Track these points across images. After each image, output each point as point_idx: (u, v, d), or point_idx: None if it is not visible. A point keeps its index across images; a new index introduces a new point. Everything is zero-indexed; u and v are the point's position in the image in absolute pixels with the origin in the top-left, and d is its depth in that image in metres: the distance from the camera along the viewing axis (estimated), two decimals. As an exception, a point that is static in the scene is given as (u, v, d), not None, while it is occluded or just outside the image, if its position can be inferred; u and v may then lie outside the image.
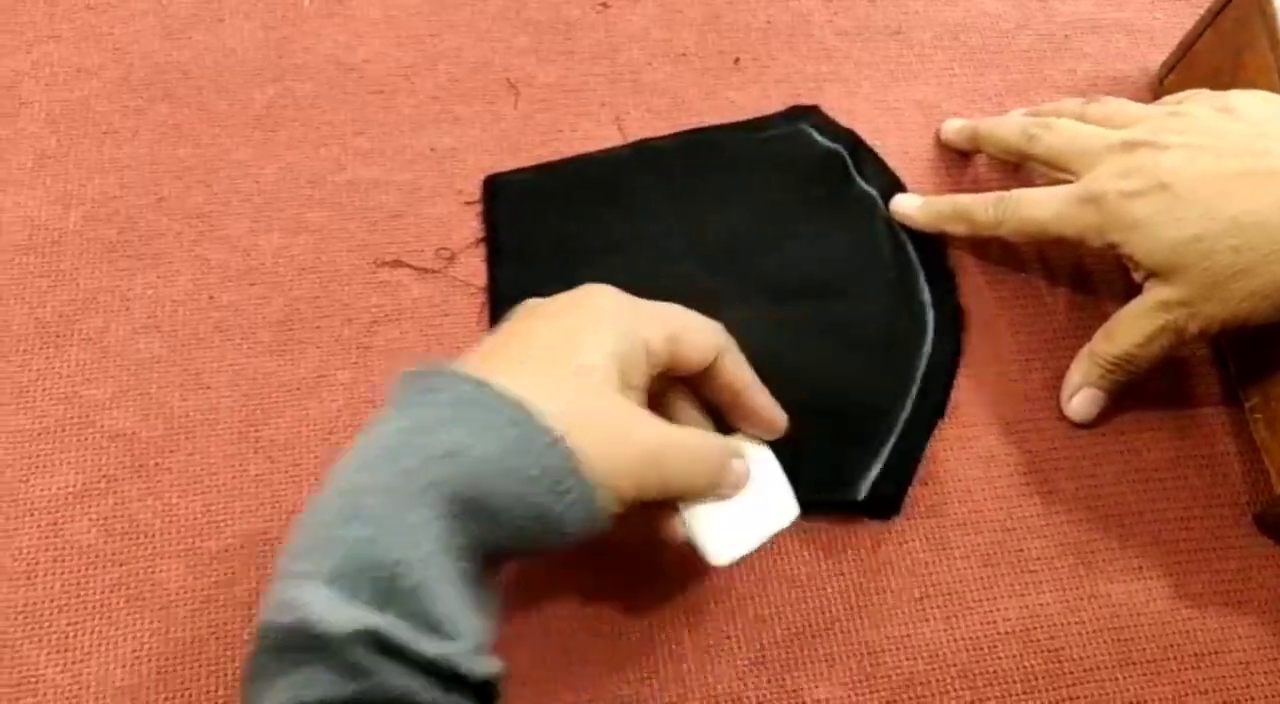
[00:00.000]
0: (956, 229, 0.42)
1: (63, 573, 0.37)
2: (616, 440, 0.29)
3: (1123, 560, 0.40)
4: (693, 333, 0.33)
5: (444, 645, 0.26)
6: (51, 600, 0.36)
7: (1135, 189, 0.37)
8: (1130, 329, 0.39)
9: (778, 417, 0.36)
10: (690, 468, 0.31)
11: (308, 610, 0.25)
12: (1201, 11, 0.46)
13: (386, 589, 0.26)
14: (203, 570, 0.37)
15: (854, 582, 0.39)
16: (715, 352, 0.33)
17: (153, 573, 0.37)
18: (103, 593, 0.36)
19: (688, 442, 0.32)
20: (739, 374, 0.34)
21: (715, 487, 0.33)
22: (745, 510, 0.34)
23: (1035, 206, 0.39)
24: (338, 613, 0.25)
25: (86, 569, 0.37)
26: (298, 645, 0.26)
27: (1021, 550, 0.40)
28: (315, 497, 0.28)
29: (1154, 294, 0.38)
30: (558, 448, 0.27)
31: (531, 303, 0.33)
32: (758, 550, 0.34)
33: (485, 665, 0.27)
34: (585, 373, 0.29)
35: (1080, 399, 0.41)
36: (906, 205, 0.44)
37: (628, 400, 0.30)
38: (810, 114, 0.47)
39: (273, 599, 0.27)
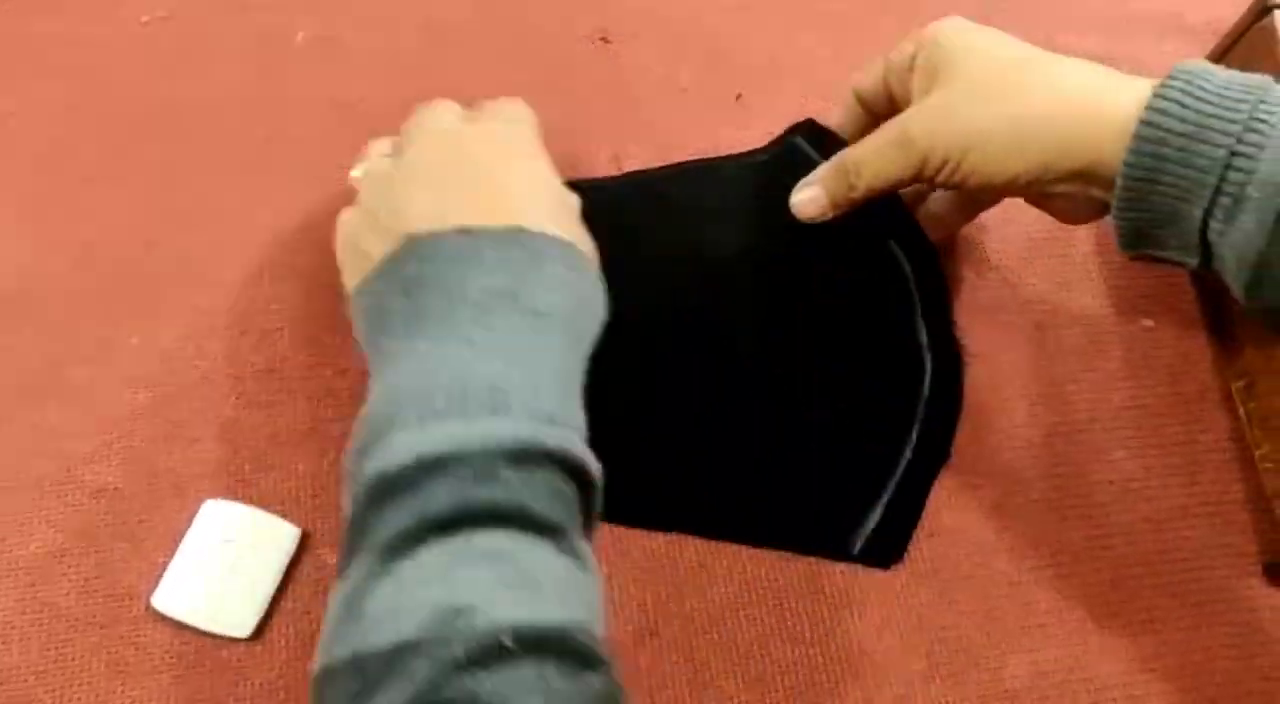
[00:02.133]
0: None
1: (40, 637, 0.36)
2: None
3: (1131, 613, 0.39)
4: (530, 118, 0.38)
5: (558, 432, 0.28)
6: (28, 665, 0.35)
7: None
8: (875, 136, 0.37)
9: None
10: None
11: (425, 445, 0.27)
12: (1210, 48, 0.46)
13: (495, 398, 0.28)
14: (188, 636, 0.36)
15: (858, 640, 0.38)
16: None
17: (136, 637, 0.36)
18: (82, 658, 0.35)
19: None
20: None
21: None
22: (228, 576, 0.36)
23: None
24: (458, 435, 0.27)
25: (66, 633, 0.36)
26: (417, 478, 0.27)
27: (1029, 604, 0.39)
28: (379, 384, 0.30)
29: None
30: (571, 248, 0.33)
31: (448, 127, 0.36)
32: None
33: (592, 459, 0.30)
34: (568, 207, 0.35)
35: (803, 194, 0.40)
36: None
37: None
38: (801, 127, 0.44)
39: (374, 460, 0.27)
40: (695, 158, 0.45)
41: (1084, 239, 0.46)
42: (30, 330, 0.40)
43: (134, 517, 0.37)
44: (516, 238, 0.31)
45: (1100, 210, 0.36)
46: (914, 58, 0.36)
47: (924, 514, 0.40)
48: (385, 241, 0.32)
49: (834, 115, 0.42)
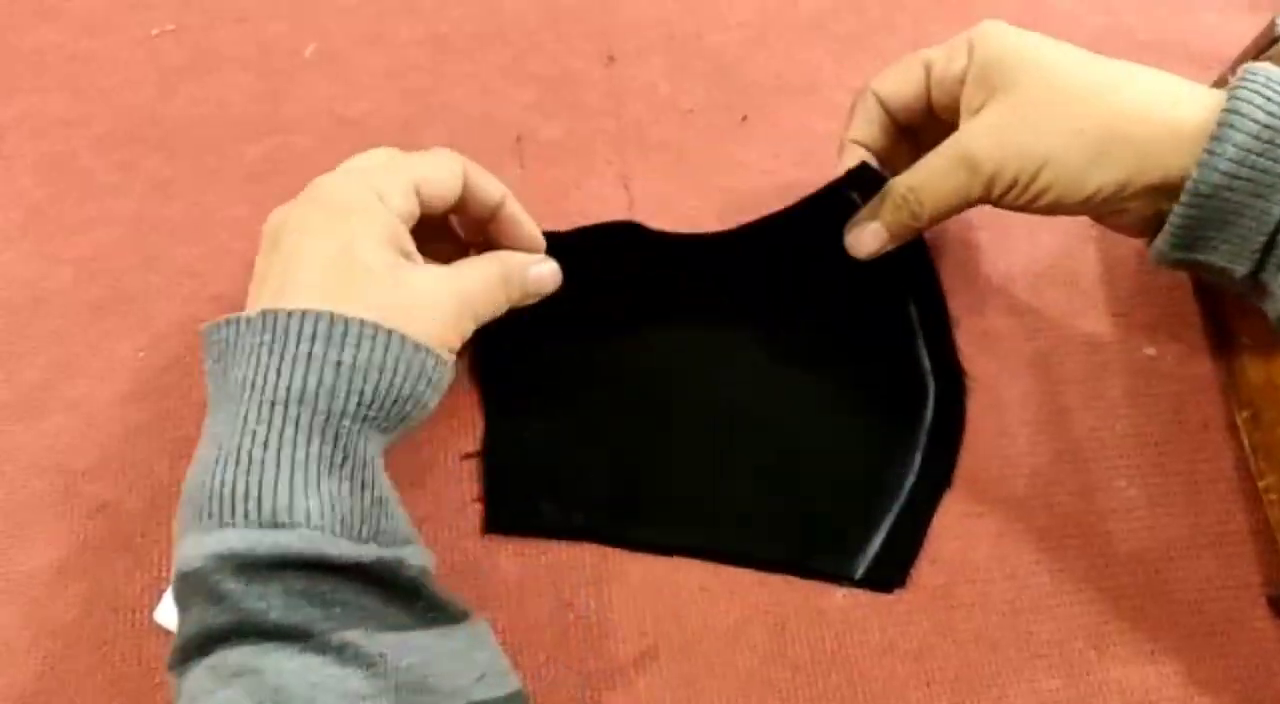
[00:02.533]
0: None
1: (41, 653, 0.35)
2: (427, 310, 0.32)
3: (1135, 644, 0.39)
4: (429, 170, 0.34)
5: (281, 536, 0.27)
6: (30, 682, 0.35)
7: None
8: (932, 159, 0.35)
9: (535, 228, 0.38)
10: (492, 293, 0.35)
11: (182, 558, 0.28)
12: (1215, 77, 0.46)
13: (225, 506, 0.28)
14: (187, 653, 0.36)
15: (859, 667, 0.38)
16: (461, 175, 0.35)
17: (138, 653, 0.36)
18: (83, 674, 0.35)
19: (481, 272, 0.35)
20: (490, 186, 0.36)
21: (525, 296, 0.36)
22: None
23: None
24: (195, 548, 0.28)
25: (67, 649, 0.35)
26: (184, 591, 0.28)
27: (1031, 633, 0.39)
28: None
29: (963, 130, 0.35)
30: (325, 315, 0.30)
31: (278, 223, 0.33)
32: None
33: (340, 548, 0.28)
34: (371, 272, 0.31)
35: (859, 231, 0.38)
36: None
37: (416, 269, 0.33)
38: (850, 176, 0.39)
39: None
40: (704, 184, 0.45)
41: (1089, 266, 0.46)
42: (29, 343, 0.40)
43: (135, 531, 0.37)
44: (267, 321, 0.30)
45: (1152, 226, 0.35)
46: (965, 71, 0.34)
47: (926, 540, 0.39)
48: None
49: (855, 124, 0.39)
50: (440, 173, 0.34)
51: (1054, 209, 0.34)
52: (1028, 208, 0.34)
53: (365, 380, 0.30)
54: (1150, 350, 0.44)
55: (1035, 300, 0.45)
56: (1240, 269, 0.32)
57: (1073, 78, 0.33)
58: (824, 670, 0.37)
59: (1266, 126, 0.30)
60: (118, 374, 0.40)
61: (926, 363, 0.42)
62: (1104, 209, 0.34)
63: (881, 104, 0.38)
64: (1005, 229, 0.46)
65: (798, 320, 0.43)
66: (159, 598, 0.36)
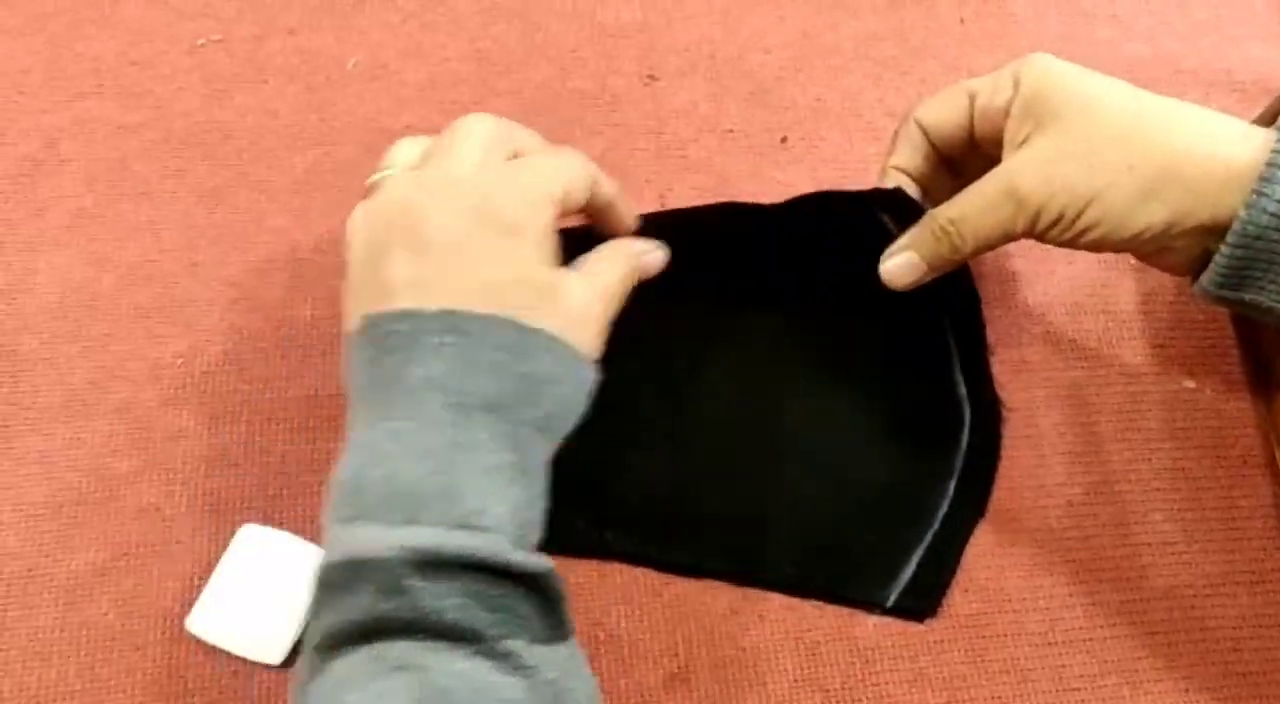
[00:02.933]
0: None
1: (79, 656, 0.36)
2: (585, 321, 0.33)
3: (1169, 682, 0.38)
4: (572, 178, 0.34)
5: (474, 538, 0.28)
6: (65, 684, 0.35)
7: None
8: (975, 191, 0.35)
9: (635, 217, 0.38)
10: (625, 290, 0.35)
11: (351, 544, 0.28)
12: (1259, 107, 0.45)
13: (417, 503, 0.28)
14: (221, 660, 0.36)
15: (889, 693, 0.37)
16: (592, 179, 0.35)
17: (170, 660, 0.36)
18: (117, 679, 0.36)
19: (616, 273, 0.34)
20: (608, 186, 0.36)
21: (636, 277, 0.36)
22: (262, 602, 0.36)
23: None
24: (377, 540, 0.28)
25: (103, 653, 0.36)
26: (346, 578, 0.28)
27: (1063, 666, 0.38)
28: (342, 458, 0.30)
29: (1009, 161, 0.34)
30: (518, 325, 0.31)
31: (414, 221, 0.31)
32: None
33: (527, 559, 0.29)
34: (543, 287, 0.32)
35: (897, 261, 0.37)
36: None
37: (570, 278, 0.33)
38: (883, 196, 0.40)
39: (326, 544, 0.29)
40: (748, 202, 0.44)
41: (1127, 297, 0.45)
42: (75, 347, 0.41)
43: (172, 538, 0.38)
44: (454, 322, 0.30)
45: (1197, 265, 0.34)
46: (1010, 103, 0.34)
47: (959, 569, 0.39)
48: (361, 301, 0.32)
49: (899, 152, 0.38)
50: (581, 182, 0.34)
51: (1098, 246, 0.34)
52: (1072, 244, 0.34)
53: (545, 393, 0.31)
54: (1190, 383, 0.44)
55: (1073, 330, 0.45)
56: None
57: (1124, 114, 0.33)
58: (854, 697, 0.37)
59: None
60: (161, 379, 0.40)
61: (963, 390, 0.42)
62: (1149, 247, 0.34)
63: (924, 132, 0.38)
64: (1043, 258, 0.46)
65: (832, 343, 0.43)
66: (191, 606, 0.36)
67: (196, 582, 0.37)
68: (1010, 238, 0.34)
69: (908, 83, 0.50)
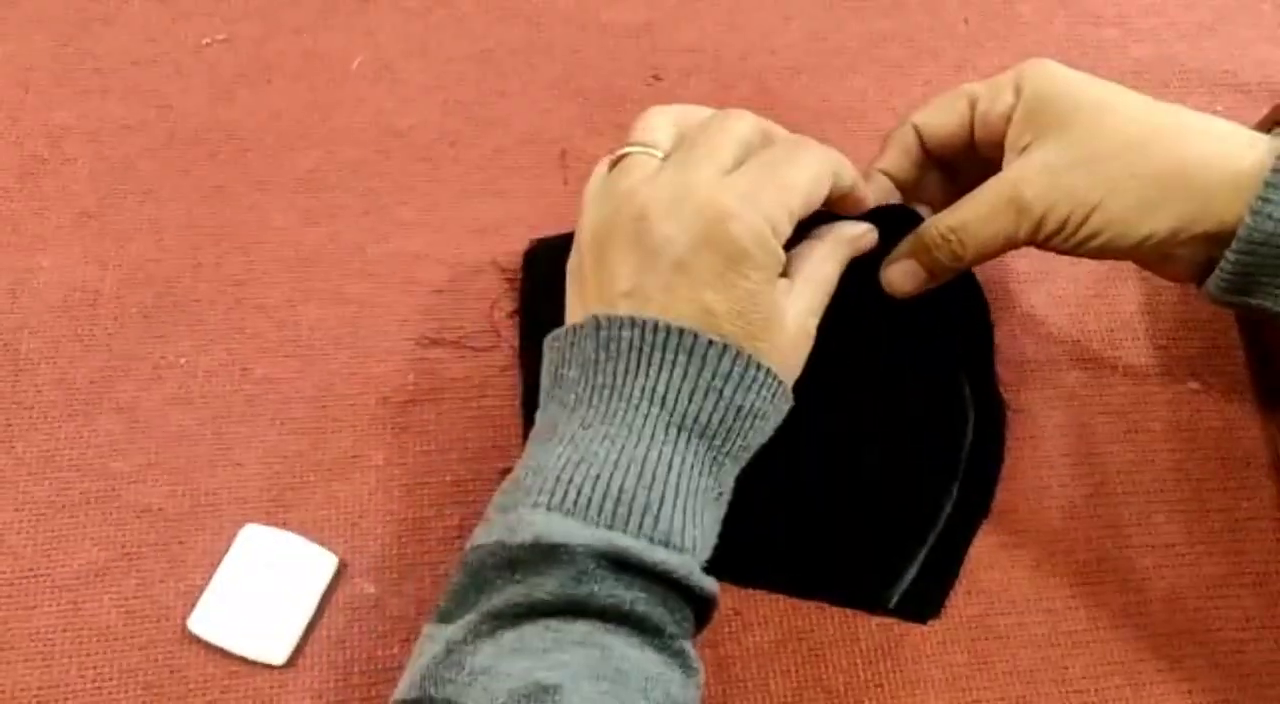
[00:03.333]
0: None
1: (80, 655, 0.36)
2: (791, 349, 0.33)
3: (1171, 683, 0.38)
4: (808, 192, 0.32)
5: (670, 556, 0.29)
6: (67, 684, 0.35)
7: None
8: (977, 199, 0.34)
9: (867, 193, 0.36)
10: (831, 288, 0.35)
11: (545, 530, 0.28)
12: (1264, 108, 0.45)
13: (616, 512, 0.29)
14: (222, 660, 0.36)
15: (892, 694, 0.37)
16: (831, 180, 0.33)
17: (172, 660, 0.36)
18: (119, 678, 0.35)
19: (828, 273, 0.34)
20: (848, 177, 0.34)
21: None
22: (264, 602, 0.36)
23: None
24: (574, 533, 0.28)
25: (104, 653, 0.36)
26: (533, 558, 0.28)
27: (1066, 668, 0.38)
28: (536, 446, 0.31)
29: (1012, 167, 0.34)
30: (744, 357, 0.31)
31: (649, 227, 0.30)
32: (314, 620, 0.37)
33: (707, 582, 0.30)
34: (769, 321, 0.31)
35: (898, 268, 0.37)
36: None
37: (785, 300, 0.32)
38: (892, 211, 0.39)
39: (501, 525, 0.29)
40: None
41: (1130, 297, 0.45)
42: (79, 346, 0.41)
43: (175, 538, 0.38)
44: (685, 342, 0.30)
45: (1201, 273, 0.34)
46: (1012, 110, 0.34)
47: (963, 571, 0.39)
48: (587, 291, 0.32)
49: (888, 155, 0.38)
50: (821, 185, 0.32)
51: (1101, 253, 0.34)
52: (1074, 251, 0.34)
53: (753, 426, 0.31)
54: (1193, 384, 0.44)
55: (1076, 331, 0.45)
56: None
57: (1128, 122, 0.32)
58: (857, 699, 0.37)
59: None
60: (164, 379, 0.40)
61: (967, 391, 0.42)
62: (1152, 255, 0.33)
63: (920, 137, 0.37)
64: (1046, 258, 0.45)
65: (835, 344, 0.42)
66: (193, 606, 0.36)
67: (199, 582, 0.37)
68: (1012, 245, 0.34)
69: (912, 84, 0.50)
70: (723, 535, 0.40)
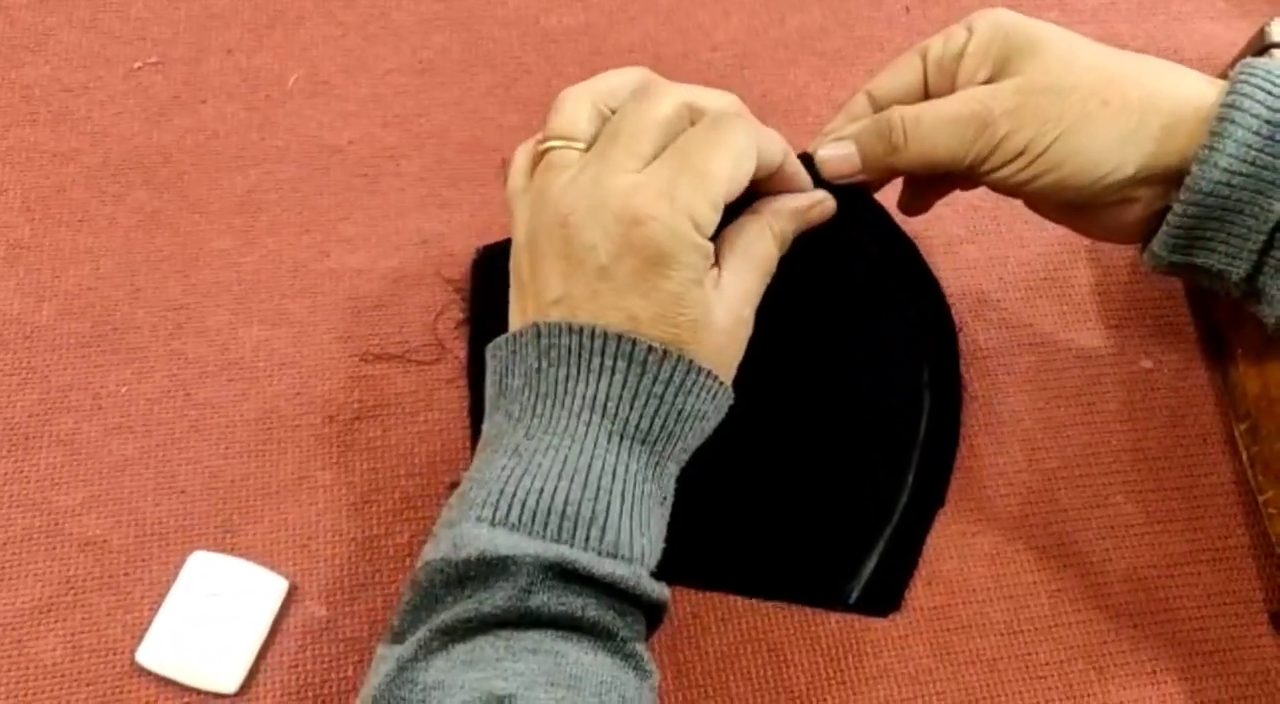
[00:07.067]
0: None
1: (25, 694, 0.35)
2: (727, 348, 0.32)
3: (1135, 664, 0.38)
4: (735, 173, 0.30)
5: (619, 567, 0.29)
6: (15, 724, 0.35)
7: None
8: (942, 103, 0.33)
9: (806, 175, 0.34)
10: (768, 267, 0.33)
11: (490, 545, 0.28)
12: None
13: (563, 525, 0.28)
14: (173, 692, 0.35)
15: (855, 690, 0.37)
16: (755, 159, 0.31)
17: (121, 694, 0.35)
18: (68, 716, 0.35)
19: (760, 266, 0.33)
20: (773, 153, 0.32)
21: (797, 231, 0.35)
22: (214, 630, 0.36)
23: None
24: (520, 546, 0.28)
25: (52, 689, 0.35)
26: (480, 573, 0.28)
27: (1029, 655, 0.38)
28: (481, 457, 0.31)
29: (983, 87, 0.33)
30: (684, 362, 0.30)
31: (571, 232, 0.29)
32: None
33: (656, 588, 0.30)
34: (697, 323, 0.30)
35: (834, 148, 0.34)
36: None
37: (715, 297, 0.31)
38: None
39: (447, 540, 0.29)
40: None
41: (1082, 279, 0.45)
42: (16, 379, 0.40)
43: (120, 569, 0.37)
44: (623, 348, 0.29)
45: (1144, 229, 0.34)
46: (965, 45, 0.33)
47: (921, 561, 0.39)
48: (525, 298, 0.31)
49: (837, 120, 0.36)
50: (744, 167, 0.30)
51: (1053, 191, 0.32)
52: (1022, 187, 0.32)
53: (693, 429, 0.31)
54: (1147, 363, 0.43)
55: (1028, 313, 0.45)
56: (1237, 271, 0.32)
57: (1102, 54, 0.32)
58: (820, 697, 0.37)
59: (1267, 122, 0.30)
60: (105, 409, 0.40)
61: (926, 376, 0.42)
62: (1109, 195, 0.32)
63: (872, 102, 0.36)
64: (996, 242, 0.46)
65: (786, 332, 0.42)
66: (142, 638, 0.36)
67: (147, 613, 0.36)
68: (954, 165, 0.33)
69: (854, 74, 0.49)
70: (679, 539, 0.39)
